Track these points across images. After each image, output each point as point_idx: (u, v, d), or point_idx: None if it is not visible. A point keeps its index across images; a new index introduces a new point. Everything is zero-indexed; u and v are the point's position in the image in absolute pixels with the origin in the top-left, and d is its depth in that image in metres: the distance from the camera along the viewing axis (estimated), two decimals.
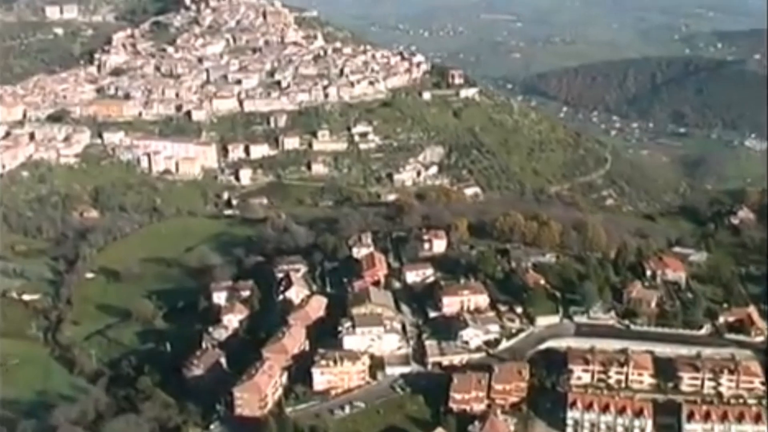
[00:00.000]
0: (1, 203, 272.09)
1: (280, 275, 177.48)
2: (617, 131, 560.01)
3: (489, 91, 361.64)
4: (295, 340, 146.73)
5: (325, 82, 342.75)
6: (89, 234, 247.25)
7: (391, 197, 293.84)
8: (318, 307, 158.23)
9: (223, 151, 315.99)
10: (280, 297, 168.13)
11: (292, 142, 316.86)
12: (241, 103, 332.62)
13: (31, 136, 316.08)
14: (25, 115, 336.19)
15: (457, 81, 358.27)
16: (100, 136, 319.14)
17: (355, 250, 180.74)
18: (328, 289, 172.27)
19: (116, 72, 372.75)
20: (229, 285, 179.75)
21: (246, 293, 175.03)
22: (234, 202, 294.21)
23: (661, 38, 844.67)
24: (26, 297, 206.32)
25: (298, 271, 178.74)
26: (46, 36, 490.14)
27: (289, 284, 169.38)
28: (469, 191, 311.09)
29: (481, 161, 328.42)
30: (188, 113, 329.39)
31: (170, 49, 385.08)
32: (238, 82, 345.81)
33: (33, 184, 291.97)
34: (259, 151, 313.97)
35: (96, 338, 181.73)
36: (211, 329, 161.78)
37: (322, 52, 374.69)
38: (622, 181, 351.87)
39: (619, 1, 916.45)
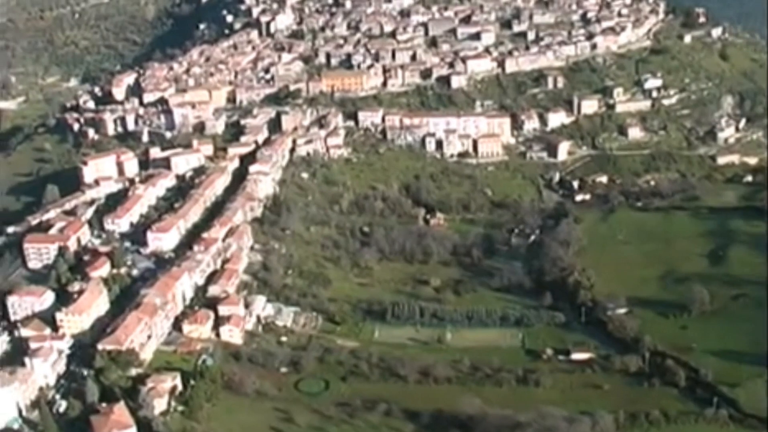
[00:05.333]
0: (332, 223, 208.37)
1: None
2: None
3: (732, 29, 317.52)
4: None
5: (581, 31, 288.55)
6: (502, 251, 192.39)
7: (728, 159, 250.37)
8: None
9: (513, 122, 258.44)
10: None
11: (589, 105, 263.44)
12: (501, 63, 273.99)
13: (275, 125, 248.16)
14: (234, 99, 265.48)
15: (702, 20, 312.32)
16: (353, 117, 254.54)
17: None
18: None
19: (296, 35, 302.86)
20: None
21: None
22: (575, 184, 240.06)
23: None
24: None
25: None
26: (101, 0, 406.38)
27: None
28: None
29: None
30: (445, 79, 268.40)
31: (348, 4, 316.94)
32: (476, 37, 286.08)
33: (325, 188, 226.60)
34: (556, 119, 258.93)
35: None
36: None
37: None
38: None
39: None
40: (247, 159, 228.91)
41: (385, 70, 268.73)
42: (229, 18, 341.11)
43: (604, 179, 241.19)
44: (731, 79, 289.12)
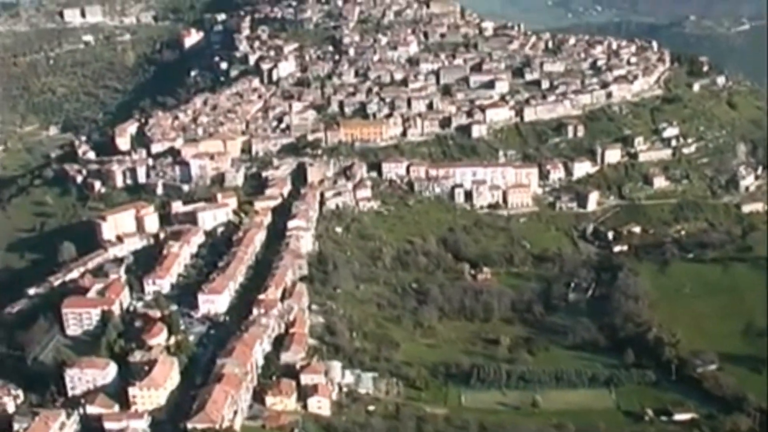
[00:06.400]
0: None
1: None
2: None
3: (734, 77, 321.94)
4: None
5: (594, 80, 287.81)
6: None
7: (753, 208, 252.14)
8: None
9: (539, 172, 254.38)
10: None
11: (612, 155, 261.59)
12: (519, 112, 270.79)
13: (298, 177, 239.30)
14: (249, 150, 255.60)
15: (705, 68, 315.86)
16: (376, 167, 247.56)
17: None
18: None
19: (303, 83, 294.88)
20: None
21: None
22: (610, 235, 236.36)
23: (533, 6, 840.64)
24: None
25: None
26: (76, 45, 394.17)
27: None
28: None
29: None
30: (464, 129, 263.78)
31: (351, 51, 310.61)
32: (489, 85, 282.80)
33: (361, 242, 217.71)
34: (581, 168, 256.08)
35: None
36: None
37: (544, 45, 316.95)
38: None
39: None
40: (278, 213, 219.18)
41: (404, 120, 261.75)
42: (224, 65, 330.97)
43: (637, 230, 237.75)
44: (741, 127, 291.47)
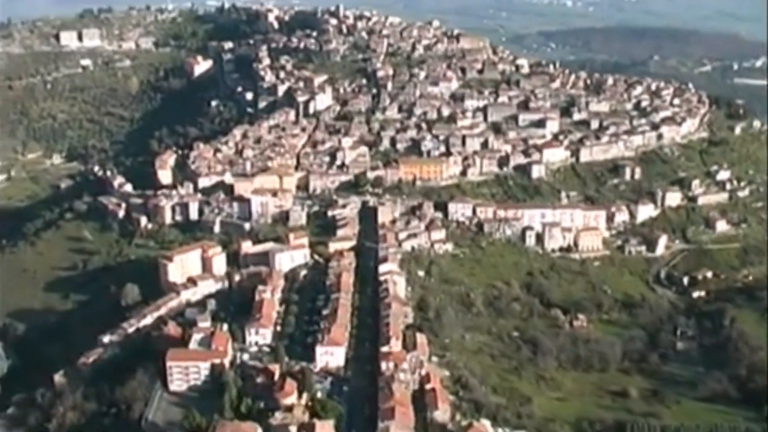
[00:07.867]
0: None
1: None
2: None
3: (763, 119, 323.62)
4: None
5: (642, 120, 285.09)
6: None
7: None
8: None
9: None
10: None
11: (673, 198, 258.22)
12: (574, 152, 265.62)
13: (368, 217, 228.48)
14: (306, 187, 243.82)
15: (741, 111, 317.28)
16: (441, 207, 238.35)
17: None
18: None
19: (344, 117, 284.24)
20: None
21: None
22: (685, 280, 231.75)
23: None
24: None
25: None
26: (74, 70, 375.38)
27: None
28: None
29: None
30: (523, 168, 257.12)
31: (389, 86, 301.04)
32: (538, 124, 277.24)
33: (445, 287, 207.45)
34: (644, 211, 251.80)
35: None
36: None
37: (584, 84, 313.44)
38: None
39: (410, 4, 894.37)
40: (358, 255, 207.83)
41: (465, 159, 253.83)
42: (248, 95, 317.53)
43: (709, 274, 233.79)
44: None
